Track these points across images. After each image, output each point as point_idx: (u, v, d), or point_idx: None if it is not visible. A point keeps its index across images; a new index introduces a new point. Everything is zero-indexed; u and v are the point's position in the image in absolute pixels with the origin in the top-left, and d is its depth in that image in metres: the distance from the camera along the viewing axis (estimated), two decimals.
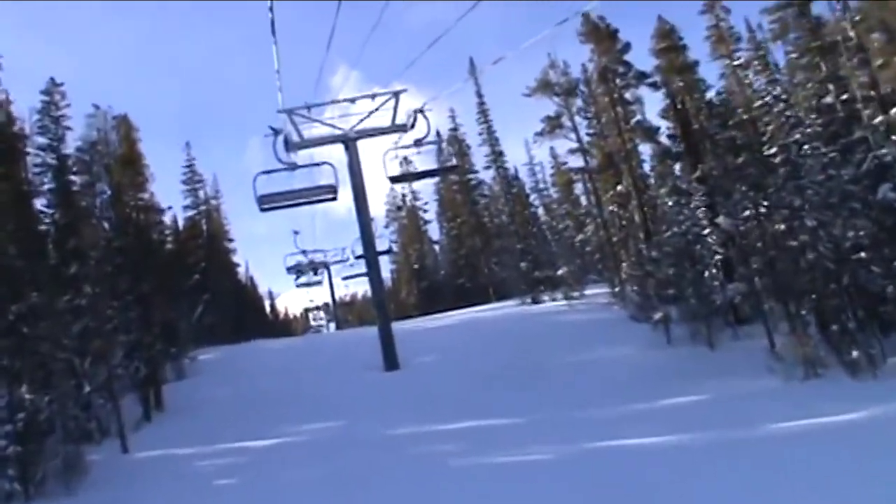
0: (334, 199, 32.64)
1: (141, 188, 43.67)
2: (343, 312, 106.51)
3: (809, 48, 33.12)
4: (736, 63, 42.76)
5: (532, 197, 75.59)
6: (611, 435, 19.85)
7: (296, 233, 76.28)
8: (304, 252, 78.40)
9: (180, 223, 78.09)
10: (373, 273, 38.80)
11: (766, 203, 28.52)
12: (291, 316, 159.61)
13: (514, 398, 27.33)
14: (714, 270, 33.26)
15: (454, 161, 40.16)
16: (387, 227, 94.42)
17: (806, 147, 28.26)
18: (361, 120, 38.10)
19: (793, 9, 34.49)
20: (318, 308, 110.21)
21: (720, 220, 32.80)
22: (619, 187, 47.41)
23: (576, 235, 61.34)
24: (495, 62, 30.87)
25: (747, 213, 29.60)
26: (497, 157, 66.56)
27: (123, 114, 46.06)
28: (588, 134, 51.03)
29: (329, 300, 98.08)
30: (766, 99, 33.13)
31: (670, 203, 38.47)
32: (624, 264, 46.49)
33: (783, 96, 32.40)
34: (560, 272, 54.23)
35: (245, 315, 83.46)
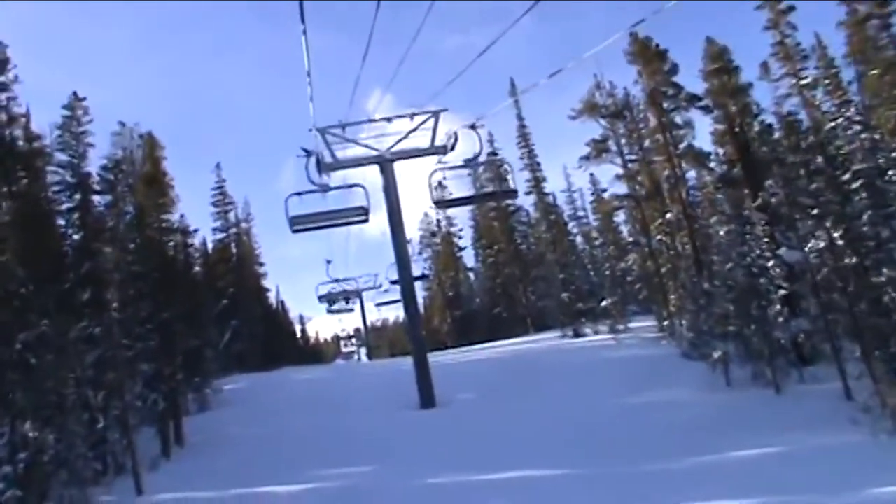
0: (366, 220, 31.88)
1: (165, 209, 41.52)
2: (374, 338, 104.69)
3: (893, 64, 30.53)
4: (804, 82, 40.11)
5: (570, 225, 73.21)
6: (675, 494, 17.39)
7: (328, 262, 75.67)
8: (336, 281, 77.35)
9: (209, 246, 76.84)
10: (408, 303, 36.50)
11: (842, 233, 25.86)
12: (322, 340, 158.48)
13: (562, 446, 24.81)
14: (779, 306, 30.50)
15: (511, 184, 37.27)
16: (420, 253, 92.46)
17: (891, 172, 25.62)
18: (399, 140, 35.94)
19: (876, 21, 32.01)
20: (349, 337, 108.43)
21: (782, 251, 30.32)
22: (668, 215, 44.90)
23: (617, 265, 58.86)
24: (536, 84, 28.24)
25: (819, 244, 26.98)
26: (538, 182, 63.97)
27: (148, 131, 44.23)
28: (630, 160, 48.53)
29: (360, 325, 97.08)
30: (840, 120, 30.34)
31: (722, 232, 36.16)
32: (672, 297, 43.98)
33: (857, 117, 29.62)
34: (604, 304, 51.70)
35: (275, 341, 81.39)
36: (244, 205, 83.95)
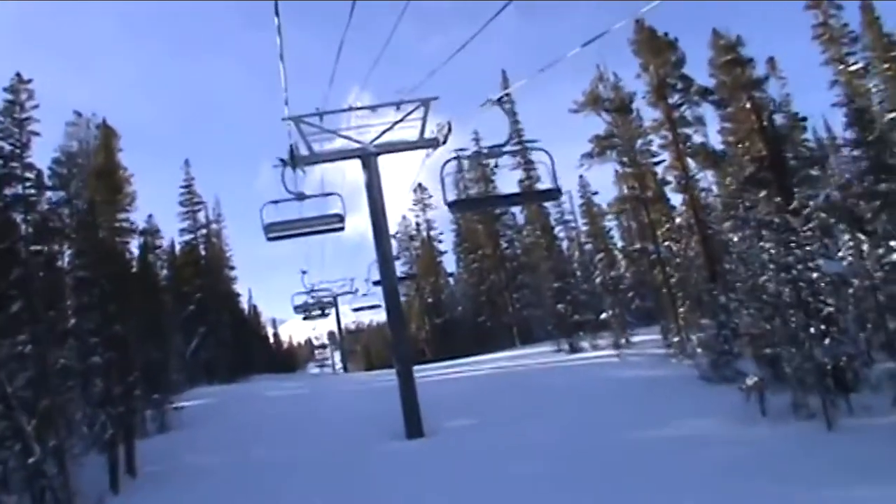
0: (341, 229, 29.96)
1: (120, 206, 37.17)
2: (349, 341, 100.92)
3: None
4: (853, 68, 36.24)
5: (556, 229, 69.56)
6: None
7: (303, 272, 70.89)
8: (311, 291, 73.11)
9: (177, 249, 72.71)
10: (393, 316, 32.33)
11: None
12: (296, 344, 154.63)
13: (578, 490, 20.72)
14: (823, 325, 26.47)
15: (551, 180, 32.08)
16: (398, 257, 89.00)
17: None
18: (384, 132, 31.73)
19: None
20: (323, 346, 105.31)
21: (821, 262, 26.51)
22: (677, 220, 41.12)
23: (608, 273, 55.15)
24: (540, 72, 23.46)
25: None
26: (532, 183, 59.48)
27: (102, 118, 39.94)
28: (620, 163, 44.69)
29: (334, 328, 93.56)
30: None
31: (736, 238, 32.61)
32: (681, 309, 40.19)
33: None
34: (603, 316, 47.76)
35: (245, 348, 77.30)
36: (215, 205, 79.78)
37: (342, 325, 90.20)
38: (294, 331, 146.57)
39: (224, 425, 35.92)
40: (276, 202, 28.38)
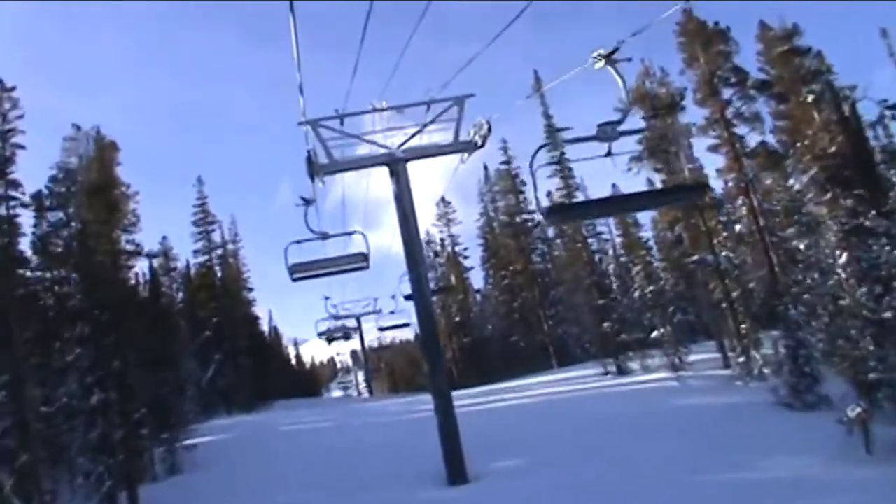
0: (366, 267, 28.98)
1: (118, 225, 33.59)
2: (373, 360, 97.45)
3: None
4: None
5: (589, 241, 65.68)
6: None
7: (326, 298, 67.31)
8: (334, 318, 70.72)
9: (192, 271, 69.38)
10: (429, 341, 28.36)
11: None
12: (318, 363, 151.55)
13: None
14: None
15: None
16: None
17: None
18: (413, 135, 27.81)
19: None
20: (347, 371, 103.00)
21: None
22: (736, 227, 37.25)
23: (647, 287, 51.31)
24: (577, 70, 19.26)
25: None
26: (570, 192, 55.33)
27: (96, 126, 36.47)
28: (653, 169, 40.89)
29: (357, 346, 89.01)
30: None
31: (800, 246, 28.98)
32: (742, 326, 36.38)
33: None
34: (655, 334, 43.77)
35: (264, 373, 73.56)
36: (231, 224, 76.35)
37: (366, 345, 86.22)
38: (316, 350, 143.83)
39: (240, 467, 32.19)
40: (299, 242, 27.62)
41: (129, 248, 34.89)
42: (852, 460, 22.10)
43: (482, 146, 26.99)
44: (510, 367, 64.25)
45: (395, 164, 27.48)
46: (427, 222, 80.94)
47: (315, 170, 26.19)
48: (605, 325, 46.51)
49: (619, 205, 17.37)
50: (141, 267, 40.45)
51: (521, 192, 67.41)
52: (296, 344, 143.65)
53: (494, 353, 71.26)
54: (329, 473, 28.78)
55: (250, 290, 78.77)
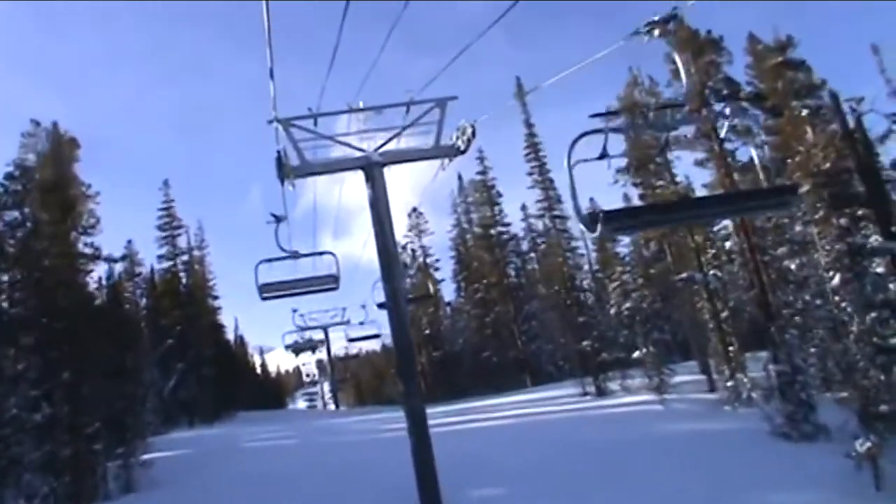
0: (335, 288, 30.82)
1: (75, 228, 31.57)
2: (339, 369, 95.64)
3: None
4: None
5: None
6: None
7: (294, 310, 67.41)
8: (301, 329, 71.45)
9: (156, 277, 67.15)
10: (404, 361, 25.99)
11: None
12: (284, 371, 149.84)
13: None
14: None
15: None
16: None
17: None
18: (391, 138, 25.79)
19: None
20: (313, 383, 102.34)
21: None
22: (727, 244, 35.71)
23: (623, 304, 49.78)
24: (567, 72, 17.62)
25: None
26: (551, 203, 53.59)
27: (53, 122, 34.53)
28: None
29: (324, 356, 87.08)
30: None
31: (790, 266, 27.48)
32: (731, 348, 34.85)
33: None
34: (637, 354, 42.12)
35: (229, 383, 71.40)
36: (197, 230, 74.11)
37: (332, 355, 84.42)
38: (282, 360, 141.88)
39: (198, 487, 30.21)
40: (269, 260, 28.26)
41: (88, 251, 32.68)
42: (861, 497, 20.53)
43: (465, 151, 25.15)
44: (482, 382, 62.91)
45: (371, 169, 25.49)
46: (398, 233, 79.03)
47: (285, 172, 24.27)
48: (585, 343, 44.79)
49: (697, 210, 14.65)
50: (103, 272, 38.42)
51: (497, 204, 65.99)
52: (262, 353, 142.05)
53: (465, 368, 69.66)
54: (293, 498, 26.93)
55: (216, 297, 76.81)
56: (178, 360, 60.80)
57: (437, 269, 77.47)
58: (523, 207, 70.76)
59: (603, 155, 12.78)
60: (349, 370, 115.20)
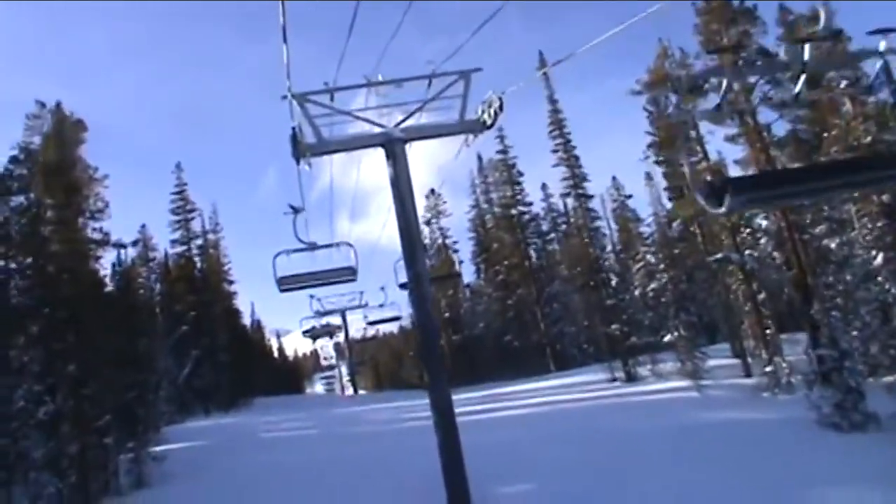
0: (353, 280, 29.85)
1: (81, 211, 30.21)
2: (358, 351, 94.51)
3: None
4: None
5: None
6: None
7: (311, 296, 66.10)
8: (319, 314, 70.22)
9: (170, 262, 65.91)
10: (428, 350, 24.38)
11: None
12: (301, 355, 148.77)
13: None
14: None
15: None
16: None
17: None
18: (413, 113, 24.14)
19: None
20: (330, 367, 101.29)
21: None
22: (763, 223, 34.10)
23: (648, 285, 48.27)
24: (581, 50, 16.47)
25: None
26: (577, 182, 51.68)
27: (57, 102, 33.21)
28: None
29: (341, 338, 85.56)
30: None
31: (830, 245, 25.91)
32: (768, 331, 33.31)
33: None
34: (667, 338, 40.56)
35: (245, 368, 70.17)
36: (212, 213, 72.84)
37: (350, 339, 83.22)
38: (299, 343, 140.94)
39: (214, 482, 28.96)
40: (287, 252, 27.65)
41: (96, 236, 31.39)
42: None
43: (491, 126, 23.48)
44: (504, 367, 61.69)
45: (392, 145, 23.85)
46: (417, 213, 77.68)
47: (301, 150, 22.71)
48: (613, 327, 43.20)
49: (856, 175, 12.18)
50: (114, 257, 37.25)
51: (518, 184, 64.31)
52: (278, 336, 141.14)
53: (487, 351, 68.24)
54: (312, 494, 25.58)
55: (231, 282, 75.70)
56: (193, 346, 59.62)
57: (455, 251, 75.96)
58: (543, 187, 69.32)
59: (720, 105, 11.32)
60: (367, 353, 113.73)
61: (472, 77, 23.29)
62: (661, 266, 54.45)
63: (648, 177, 60.15)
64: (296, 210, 26.98)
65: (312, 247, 27.93)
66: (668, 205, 52.90)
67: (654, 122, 48.83)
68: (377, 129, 24.15)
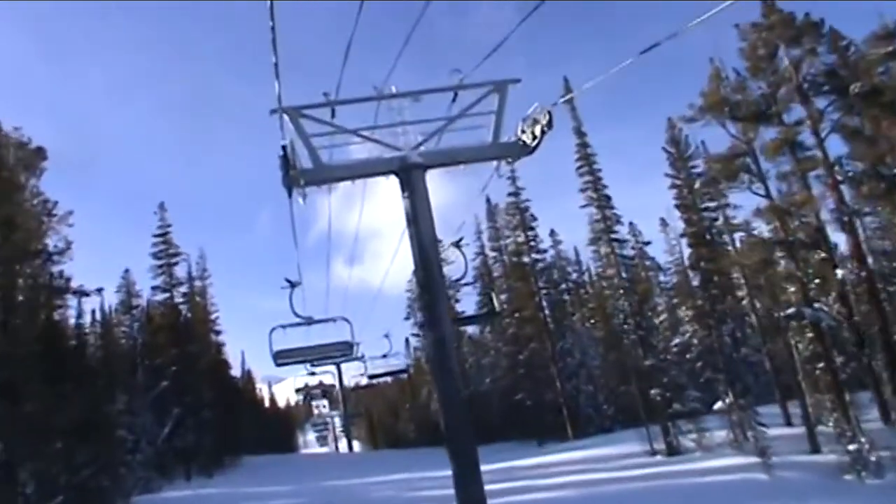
0: (350, 355, 33.05)
1: (30, 251, 25.22)
2: (353, 401, 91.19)
3: None
4: None
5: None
6: None
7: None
8: (312, 373, 67.20)
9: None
10: (457, 425, 18.68)
11: None
12: (293, 403, 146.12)
13: None
14: None
15: None
16: (408, 318, 78.87)
17: None
18: (435, 132, 18.57)
19: None
20: (325, 424, 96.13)
21: None
22: (838, 272, 29.12)
23: (672, 339, 43.55)
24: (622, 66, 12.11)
25: None
26: (608, 224, 46.11)
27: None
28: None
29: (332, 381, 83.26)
30: None
31: None
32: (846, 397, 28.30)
33: None
34: (719, 405, 35.43)
35: (234, 424, 64.83)
36: (199, 258, 67.99)
37: (344, 388, 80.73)
38: (291, 391, 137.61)
39: None
40: (283, 326, 27.00)
41: (42, 281, 26.51)
42: None
43: (534, 150, 18.18)
44: (513, 427, 57.85)
45: (409, 173, 18.39)
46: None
47: (294, 177, 17.39)
48: (653, 391, 37.80)
49: None
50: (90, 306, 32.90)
51: (531, 229, 58.96)
52: (270, 386, 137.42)
53: (494, 410, 63.05)
54: None
55: (218, 332, 70.51)
56: (175, 403, 54.36)
57: (457, 301, 70.30)
58: (552, 233, 64.48)
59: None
60: (361, 403, 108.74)
61: (508, 88, 18.13)
62: (686, 318, 49.87)
63: (663, 223, 55.32)
64: (292, 284, 24.41)
65: (309, 321, 26.88)
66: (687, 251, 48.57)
67: (675, 163, 44.72)
68: (391, 153, 18.71)
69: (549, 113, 16.69)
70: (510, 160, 17.98)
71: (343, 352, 30.87)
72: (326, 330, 29.96)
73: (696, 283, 46.90)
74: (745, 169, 31.55)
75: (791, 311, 31.20)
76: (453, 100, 17.86)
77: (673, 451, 36.24)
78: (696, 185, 43.22)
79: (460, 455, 16.51)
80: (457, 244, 21.57)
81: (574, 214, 52.80)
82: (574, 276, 69.53)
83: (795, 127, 30.70)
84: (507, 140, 18.05)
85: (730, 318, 47.00)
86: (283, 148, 16.50)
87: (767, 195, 31.41)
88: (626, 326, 43.64)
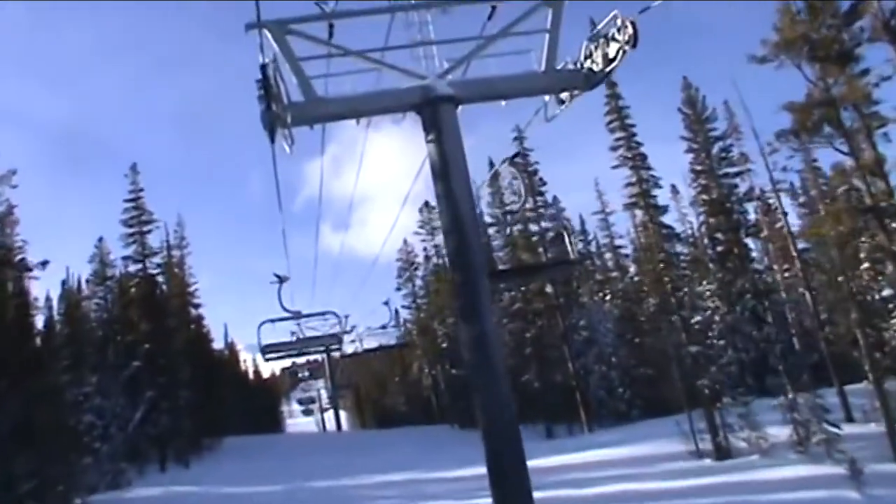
0: (338, 349, 34.34)
1: None
2: (341, 371, 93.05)
3: None
4: None
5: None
6: None
7: (293, 333, 58.79)
8: (305, 362, 72.01)
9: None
10: (492, 406, 13.73)
11: None
12: (278, 371, 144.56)
13: None
14: None
15: None
16: (399, 289, 77.57)
17: None
18: (468, 56, 13.18)
19: None
20: (311, 402, 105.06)
21: None
22: None
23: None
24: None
25: None
26: (643, 188, 41.38)
27: None
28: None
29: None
30: None
31: None
32: None
33: None
34: (779, 401, 30.83)
35: (215, 404, 60.01)
36: (177, 226, 63.00)
37: (331, 360, 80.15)
38: (276, 362, 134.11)
39: None
40: (272, 321, 28.17)
41: None
42: None
43: (602, 80, 12.96)
44: (518, 411, 51.73)
45: (436, 108, 13.23)
46: (406, 230, 70.53)
47: (277, 112, 12.05)
48: (701, 382, 33.07)
49: None
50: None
51: (541, 195, 54.41)
52: (255, 358, 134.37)
53: None
54: None
55: (197, 305, 65.53)
56: (148, 384, 49.65)
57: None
58: (555, 200, 60.19)
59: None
60: (349, 374, 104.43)
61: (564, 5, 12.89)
62: (707, 293, 45.43)
63: (674, 189, 50.43)
64: (281, 279, 26.09)
65: (297, 315, 28.12)
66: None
67: (691, 126, 40.66)
68: (410, 81, 13.36)
69: (633, 25, 11.56)
70: (576, 91, 12.77)
71: (330, 344, 31.58)
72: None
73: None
74: (828, 120, 26.71)
75: (888, 292, 26.46)
76: (489, 17, 12.79)
77: (723, 453, 31.65)
78: (714, 148, 41.68)
79: (507, 488, 11.50)
80: (511, 160, 15.69)
81: (579, 179, 49.19)
82: (580, 246, 65.36)
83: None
84: (565, 68, 13.01)
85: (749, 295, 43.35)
86: (263, 69, 11.25)
87: (851, 153, 26.60)
88: (665, 306, 38.79)
